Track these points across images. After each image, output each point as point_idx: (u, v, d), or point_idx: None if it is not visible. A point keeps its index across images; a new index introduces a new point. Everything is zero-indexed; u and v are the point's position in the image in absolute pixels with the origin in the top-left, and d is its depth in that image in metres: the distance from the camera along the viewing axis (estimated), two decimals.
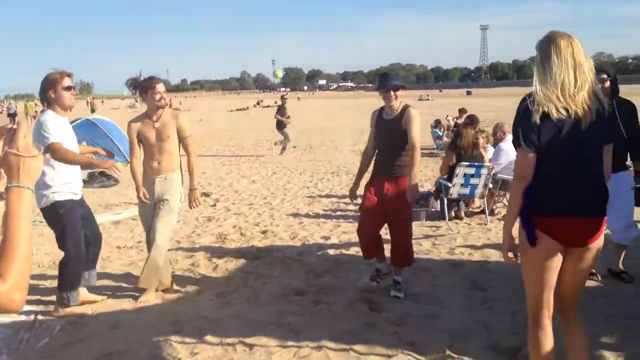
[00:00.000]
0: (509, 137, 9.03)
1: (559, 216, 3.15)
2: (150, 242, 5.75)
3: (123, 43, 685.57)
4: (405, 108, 5.62)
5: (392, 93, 5.54)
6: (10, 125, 1.67)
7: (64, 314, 5.32)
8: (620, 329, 4.67)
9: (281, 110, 19.05)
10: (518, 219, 3.31)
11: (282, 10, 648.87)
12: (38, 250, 7.44)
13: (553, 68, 3.07)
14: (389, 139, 5.63)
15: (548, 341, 3.36)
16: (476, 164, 8.37)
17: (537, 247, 3.20)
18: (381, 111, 5.76)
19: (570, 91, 3.04)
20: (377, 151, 5.83)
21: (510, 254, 3.38)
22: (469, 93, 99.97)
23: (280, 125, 18.94)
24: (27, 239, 1.53)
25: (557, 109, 3.03)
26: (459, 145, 8.70)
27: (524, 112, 3.14)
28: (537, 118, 3.05)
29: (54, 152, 4.99)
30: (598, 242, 3.21)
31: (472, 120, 10.98)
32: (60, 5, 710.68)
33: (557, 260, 3.26)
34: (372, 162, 5.92)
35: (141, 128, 5.78)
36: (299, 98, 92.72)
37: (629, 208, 5.58)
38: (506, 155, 8.71)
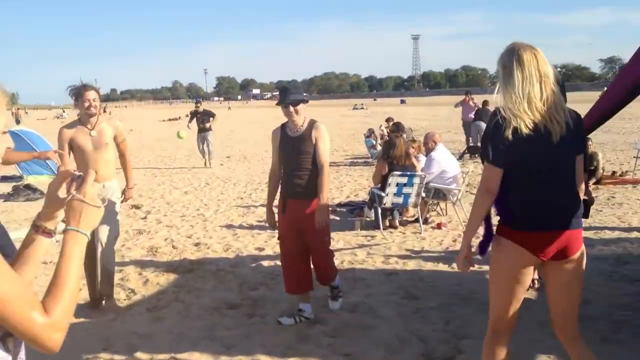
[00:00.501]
0: (440, 146, 9.20)
1: (537, 231, 3.08)
2: (93, 251, 5.59)
3: (48, 52, 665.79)
4: (312, 123, 5.18)
5: (291, 109, 5.07)
6: (78, 172, 1.74)
7: None
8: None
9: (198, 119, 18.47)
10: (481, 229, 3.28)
11: (213, 19, 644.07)
12: None
13: (516, 83, 3.00)
14: (298, 158, 5.14)
15: (503, 356, 3.33)
16: (408, 173, 8.44)
17: (511, 259, 3.14)
18: (284, 128, 5.30)
19: (537, 105, 2.98)
20: (284, 172, 5.32)
21: (464, 264, 3.28)
22: (402, 102, 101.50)
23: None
24: (76, 282, 1.56)
25: (526, 124, 2.95)
26: (392, 155, 8.76)
27: (494, 127, 3.04)
28: (508, 134, 2.96)
29: None
30: (579, 254, 3.15)
31: (397, 128, 11.15)
32: None
33: (529, 275, 3.21)
34: (280, 183, 5.44)
35: (75, 135, 5.63)
36: (229, 108, 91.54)
37: None
38: (438, 164, 8.83)
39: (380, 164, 8.99)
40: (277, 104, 5.28)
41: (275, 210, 5.48)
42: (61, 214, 1.73)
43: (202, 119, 18.20)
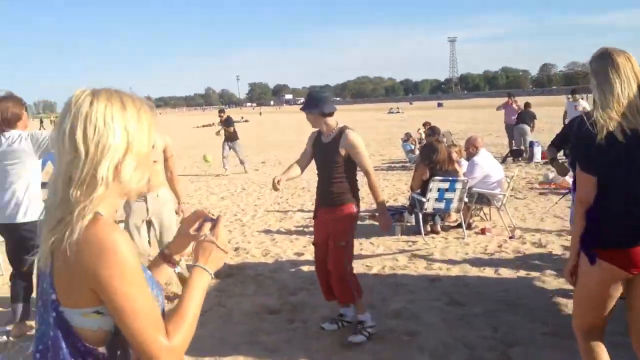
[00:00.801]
0: (482, 150, 9.02)
1: (629, 248, 2.92)
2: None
3: (85, 60, 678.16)
4: (342, 130, 5.00)
5: (308, 116, 5.07)
6: (212, 214, 1.88)
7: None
8: None
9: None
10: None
11: (247, 25, 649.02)
12: (7, 269, 7.18)
13: (615, 86, 2.86)
14: (327, 164, 5.03)
15: (603, 354, 3.22)
16: (450, 178, 8.29)
17: (602, 276, 3.00)
18: (320, 133, 5.19)
19: (638, 107, 2.85)
20: (318, 179, 5.17)
21: (571, 275, 3.19)
22: (440, 105, 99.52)
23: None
24: (196, 314, 1.66)
25: (622, 129, 2.82)
26: (434, 159, 8.62)
27: (584, 135, 2.91)
28: (601, 139, 2.82)
29: None
30: None
31: (433, 131, 11.01)
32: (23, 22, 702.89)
33: (618, 289, 3.05)
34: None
35: None
36: (260, 113, 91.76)
37: None
38: (480, 169, 8.66)
39: (420, 169, 8.84)
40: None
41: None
42: (188, 248, 1.91)
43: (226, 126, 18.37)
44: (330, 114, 5.02)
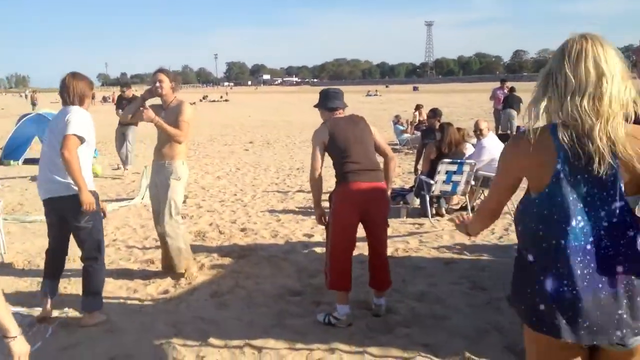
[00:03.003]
0: (490, 134, 9.05)
1: None
2: (158, 226, 6.10)
3: (59, 35, 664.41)
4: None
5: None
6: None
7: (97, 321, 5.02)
8: None
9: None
10: None
11: (225, 3, 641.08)
12: (9, 248, 7.06)
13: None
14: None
15: None
16: (458, 160, 8.32)
17: None
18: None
19: None
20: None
21: None
22: (415, 89, 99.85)
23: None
24: None
25: None
26: (445, 140, 8.65)
27: None
28: None
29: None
30: None
31: (435, 114, 11.01)
32: None
33: None
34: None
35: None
36: (227, 93, 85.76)
37: None
38: (488, 152, 8.69)
39: (429, 149, 8.88)
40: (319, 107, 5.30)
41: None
42: None
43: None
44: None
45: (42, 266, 5.30)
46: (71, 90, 4.87)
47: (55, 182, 4.77)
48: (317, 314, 5.05)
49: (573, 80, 2.15)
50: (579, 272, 2.14)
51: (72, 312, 5.17)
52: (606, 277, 2.14)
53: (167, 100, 6.00)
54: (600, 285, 2.13)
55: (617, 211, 2.15)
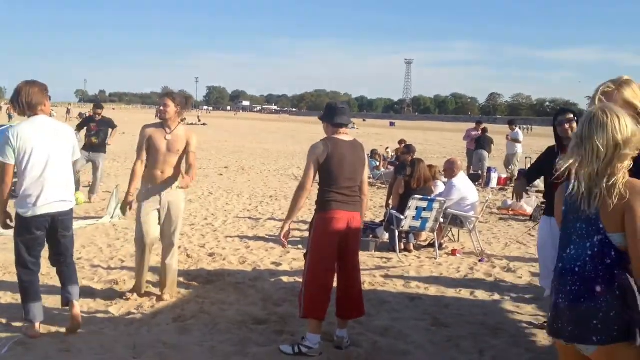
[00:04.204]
0: (461, 173, 9.19)
1: None
2: (148, 246, 6.17)
3: (37, 47, 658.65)
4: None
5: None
6: None
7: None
8: None
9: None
10: None
11: (208, 28, 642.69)
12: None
13: None
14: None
15: None
16: (429, 197, 8.42)
17: None
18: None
19: None
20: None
21: None
22: (392, 124, 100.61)
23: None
24: None
25: None
26: (414, 175, 8.77)
27: None
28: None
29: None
30: None
31: (409, 149, 11.21)
32: None
33: None
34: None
35: (153, 134, 6.04)
36: (198, 117, 76.22)
37: None
38: (458, 191, 8.82)
39: (398, 183, 9.00)
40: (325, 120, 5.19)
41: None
42: None
43: (98, 130, 12.29)
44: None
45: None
46: (22, 97, 4.92)
47: None
48: (281, 345, 5.04)
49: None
50: (568, 288, 2.72)
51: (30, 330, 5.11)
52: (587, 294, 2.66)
53: (171, 125, 6.07)
54: (582, 300, 2.66)
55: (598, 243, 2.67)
